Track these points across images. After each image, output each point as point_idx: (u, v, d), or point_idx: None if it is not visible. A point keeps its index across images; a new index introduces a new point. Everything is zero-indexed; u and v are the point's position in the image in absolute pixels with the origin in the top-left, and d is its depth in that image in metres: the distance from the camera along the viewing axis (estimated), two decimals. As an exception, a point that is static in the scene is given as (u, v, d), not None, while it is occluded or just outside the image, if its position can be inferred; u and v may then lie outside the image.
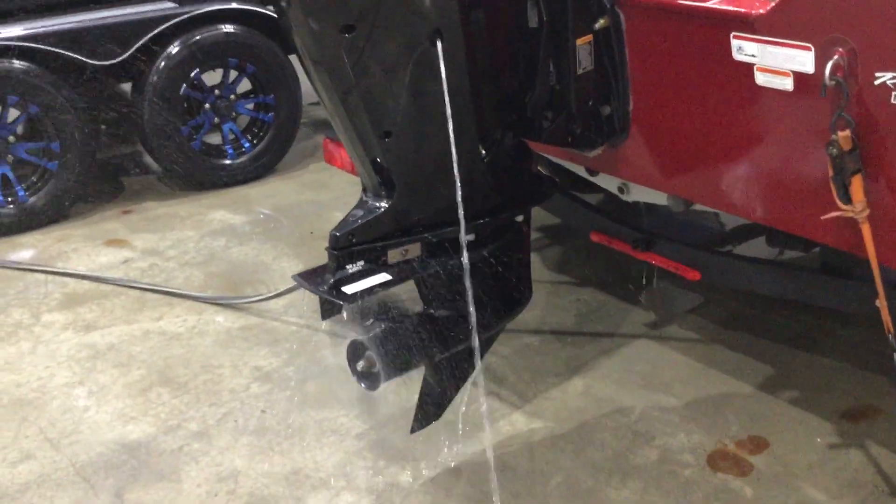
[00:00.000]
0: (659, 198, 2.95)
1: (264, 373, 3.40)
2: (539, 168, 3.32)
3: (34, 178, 4.80)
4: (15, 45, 4.56)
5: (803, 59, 2.13)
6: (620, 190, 3.07)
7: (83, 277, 4.23)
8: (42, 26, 4.66)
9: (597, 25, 2.51)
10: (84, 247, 4.59)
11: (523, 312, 2.90)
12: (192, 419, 3.15)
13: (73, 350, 3.63)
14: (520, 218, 2.76)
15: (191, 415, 3.18)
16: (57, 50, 4.65)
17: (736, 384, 3.16)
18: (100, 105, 5.19)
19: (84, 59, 4.71)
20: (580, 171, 3.18)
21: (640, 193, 3.01)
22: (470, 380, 2.72)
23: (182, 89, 4.98)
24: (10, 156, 4.74)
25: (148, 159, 5.65)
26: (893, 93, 2.00)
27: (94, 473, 2.91)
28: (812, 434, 2.88)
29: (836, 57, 2.04)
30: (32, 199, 4.77)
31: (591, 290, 3.83)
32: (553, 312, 3.68)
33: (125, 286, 4.12)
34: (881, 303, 2.29)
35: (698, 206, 2.92)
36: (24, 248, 4.60)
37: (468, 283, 2.36)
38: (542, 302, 3.72)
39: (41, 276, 4.27)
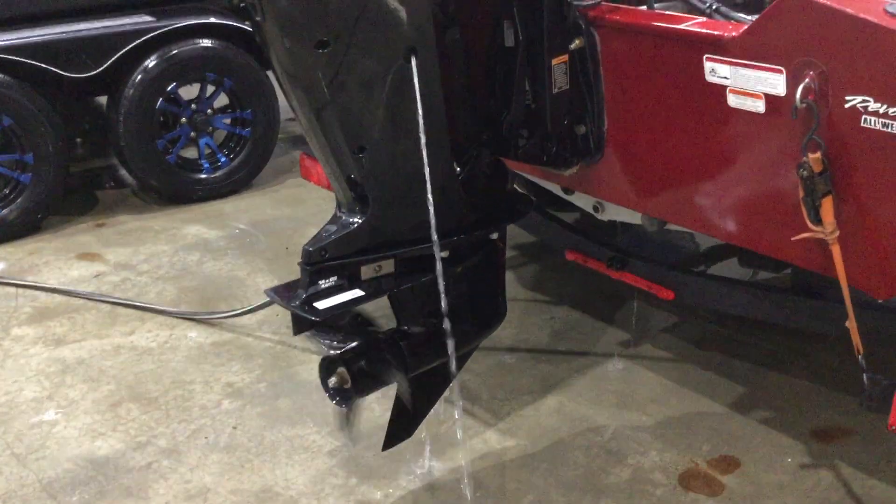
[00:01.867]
0: (633, 217, 2.96)
1: (236, 389, 3.38)
2: (515, 186, 3.32)
3: (7, 191, 4.76)
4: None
5: (775, 82, 2.15)
6: (595, 209, 3.08)
7: (54, 291, 4.19)
8: (17, 38, 4.63)
9: (572, 46, 2.54)
10: (56, 260, 4.54)
11: (498, 330, 2.89)
12: (162, 435, 3.12)
13: (42, 364, 3.59)
14: (495, 235, 2.76)
15: (160, 431, 3.14)
16: (32, 62, 4.62)
17: (708, 403, 3.17)
18: (75, 117, 5.16)
19: (60, 71, 4.69)
20: (556, 189, 3.19)
21: (614, 212, 3.03)
22: (443, 397, 2.71)
23: (158, 103, 4.96)
24: (-18, 167, 4.70)
25: (123, 172, 5.62)
26: (863, 116, 2.02)
27: (60, 490, 2.87)
28: (783, 454, 2.89)
29: (807, 80, 2.07)
30: (4, 212, 4.72)
31: (565, 308, 3.84)
32: (527, 330, 3.68)
33: (97, 300, 4.08)
34: (851, 324, 2.31)
35: (672, 226, 2.93)
36: (-5, 261, 4.56)
37: (442, 300, 2.35)
38: (517, 320, 3.72)
39: (11, 290, 4.22)
